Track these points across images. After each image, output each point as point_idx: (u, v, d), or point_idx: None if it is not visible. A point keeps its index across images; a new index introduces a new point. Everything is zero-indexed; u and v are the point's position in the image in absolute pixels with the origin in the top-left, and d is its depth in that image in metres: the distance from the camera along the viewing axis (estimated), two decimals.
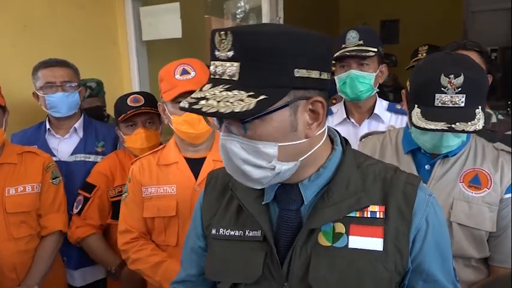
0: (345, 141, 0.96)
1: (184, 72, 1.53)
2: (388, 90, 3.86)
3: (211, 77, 0.81)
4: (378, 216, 0.87)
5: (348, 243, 0.87)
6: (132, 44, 2.99)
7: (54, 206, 1.91)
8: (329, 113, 2.06)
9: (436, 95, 1.22)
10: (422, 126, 1.22)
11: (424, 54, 2.89)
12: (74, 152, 2.17)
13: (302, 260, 0.87)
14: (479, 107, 1.23)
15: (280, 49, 0.77)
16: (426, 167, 1.41)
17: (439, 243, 0.90)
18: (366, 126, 2.00)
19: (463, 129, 1.19)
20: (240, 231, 0.95)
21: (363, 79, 1.90)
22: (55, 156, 2.12)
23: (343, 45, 1.92)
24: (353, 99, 1.96)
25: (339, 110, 2.07)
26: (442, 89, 1.22)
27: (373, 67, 1.92)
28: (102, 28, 2.91)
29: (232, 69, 0.77)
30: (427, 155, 1.41)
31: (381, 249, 0.85)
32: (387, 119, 2.02)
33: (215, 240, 0.98)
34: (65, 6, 2.67)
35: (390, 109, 2.03)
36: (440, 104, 1.22)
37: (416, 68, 1.34)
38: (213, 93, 0.77)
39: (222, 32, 0.77)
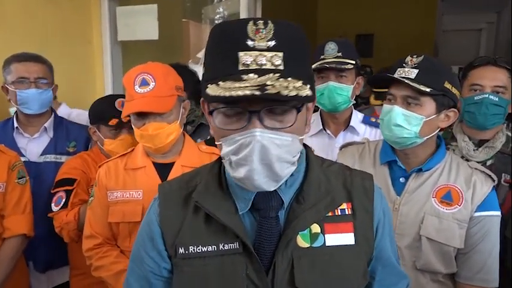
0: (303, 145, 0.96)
1: (144, 83, 1.47)
2: (363, 102, 3.91)
3: (243, 68, 0.76)
4: (347, 212, 0.91)
5: (325, 241, 0.89)
6: (107, 43, 2.93)
7: (19, 207, 1.82)
8: None
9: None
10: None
11: None
12: (44, 152, 2.09)
13: (285, 265, 0.87)
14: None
15: (306, 42, 0.82)
16: (401, 179, 1.44)
17: (390, 229, 0.98)
18: (342, 138, 2.01)
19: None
20: (213, 246, 0.89)
21: (341, 91, 1.91)
22: (23, 156, 2.03)
23: (322, 56, 1.93)
24: (330, 111, 1.97)
25: (315, 120, 2.07)
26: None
27: (351, 79, 1.94)
28: (76, 25, 2.84)
29: (277, 59, 0.76)
30: (403, 168, 1.44)
31: (353, 243, 0.90)
32: (362, 131, 2.03)
33: (184, 260, 0.90)
34: (38, 1, 2.58)
35: (365, 121, 2.05)
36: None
37: None
38: (271, 80, 0.73)
39: (260, 21, 0.76)
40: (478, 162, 1.56)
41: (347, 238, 0.90)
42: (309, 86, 0.76)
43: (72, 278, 2.02)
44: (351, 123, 2.01)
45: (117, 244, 1.63)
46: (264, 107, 0.76)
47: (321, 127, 2.04)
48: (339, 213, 0.91)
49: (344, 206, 0.92)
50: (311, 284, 0.87)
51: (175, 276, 0.93)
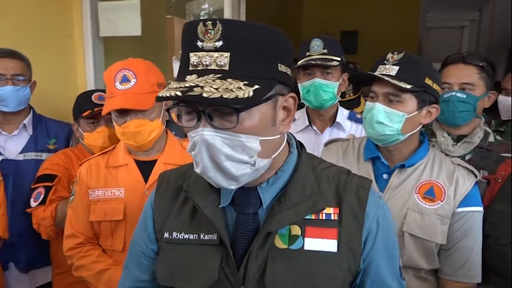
0: (299, 145, 0.96)
1: (125, 79, 1.45)
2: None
3: (192, 68, 0.78)
4: (332, 218, 0.88)
5: (303, 245, 0.87)
6: (89, 39, 2.86)
7: None
8: None
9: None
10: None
11: None
12: (23, 150, 2.04)
13: (259, 263, 0.87)
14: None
15: (267, 41, 0.79)
16: (384, 176, 1.44)
17: (387, 244, 0.93)
18: (328, 134, 2.02)
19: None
20: (194, 235, 0.92)
21: (327, 88, 1.91)
22: (1, 154, 1.99)
23: (307, 53, 1.94)
24: (316, 107, 1.97)
25: (301, 116, 2.07)
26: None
27: (337, 76, 1.94)
28: (57, 20, 2.76)
29: (222, 59, 0.76)
30: (386, 164, 1.44)
31: (335, 251, 0.87)
32: (348, 127, 2.05)
33: (168, 244, 0.95)
34: None
35: (351, 118, 2.07)
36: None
37: None
38: (205, 81, 0.75)
39: (209, 22, 0.76)
40: (457, 157, 1.58)
41: (329, 245, 0.87)
42: (256, 86, 0.75)
43: (54, 277, 2.01)
44: (337, 120, 2.02)
45: (99, 243, 1.60)
46: (207, 107, 0.77)
47: (307, 123, 2.04)
48: (324, 218, 0.89)
49: (330, 210, 0.89)
50: (280, 285, 0.85)
51: (159, 258, 0.98)
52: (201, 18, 3.56)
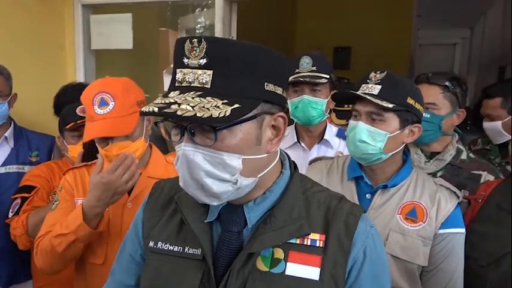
0: (293, 166, 0.95)
1: (103, 103, 1.43)
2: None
3: (178, 84, 0.79)
4: (317, 244, 0.86)
5: (285, 269, 0.85)
6: (80, 51, 2.87)
7: None
8: None
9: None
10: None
11: None
12: (5, 163, 2.02)
13: (238, 284, 0.85)
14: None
15: (254, 61, 0.79)
16: (367, 195, 1.43)
17: (376, 275, 0.89)
18: (316, 151, 2.02)
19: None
20: (179, 247, 0.92)
21: (315, 104, 1.92)
22: None
23: (297, 70, 1.95)
24: (304, 124, 1.98)
25: (289, 133, 2.07)
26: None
27: (325, 93, 1.95)
28: (48, 31, 2.77)
29: (204, 76, 0.77)
30: (369, 184, 1.43)
31: (317, 279, 0.84)
32: (336, 144, 2.05)
33: (152, 253, 0.95)
34: (6, 5, 2.51)
35: (339, 135, 2.07)
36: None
37: None
38: (184, 98, 0.75)
39: (195, 40, 0.77)
40: (428, 173, 1.60)
41: (311, 272, 0.84)
42: (236, 105, 0.75)
43: None
44: (325, 137, 2.02)
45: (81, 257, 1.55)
46: (189, 123, 0.78)
47: (295, 140, 2.04)
48: (308, 244, 0.86)
49: (316, 237, 0.87)
50: None
51: (143, 267, 0.98)
52: (192, 33, 3.58)
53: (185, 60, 0.78)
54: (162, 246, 0.93)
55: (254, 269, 0.85)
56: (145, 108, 0.76)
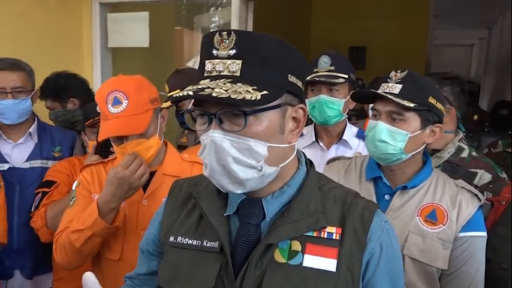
0: (309, 163, 0.97)
1: (116, 102, 1.43)
2: (353, 114, 3.90)
3: (207, 74, 0.84)
4: (334, 237, 0.88)
5: (302, 261, 0.87)
6: (97, 49, 2.90)
7: None
8: None
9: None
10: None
11: None
12: (29, 158, 2.06)
13: (256, 275, 0.87)
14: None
15: (279, 53, 0.84)
16: (386, 197, 1.41)
17: (391, 269, 0.91)
18: (334, 151, 2.00)
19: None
20: (197, 241, 0.94)
21: (332, 104, 1.90)
22: (8, 162, 2.00)
23: (315, 70, 1.94)
24: (321, 123, 1.96)
25: (309, 132, 2.07)
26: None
27: (344, 93, 1.93)
28: (65, 29, 2.81)
29: (234, 66, 0.81)
30: (388, 184, 1.41)
31: (334, 271, 0.86)
32: (355, 145, 2.02)
33: (171, 247, 0.98)
34: (28, 4, 2.55)
35: (359, 136, 2.04)
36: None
37: None
38: (216, 84, 0.79)
39: (224, 32, 0.82)
40: None
41: (328, 264, 0.86)
42: (265, 91, 0.79)
43: (54, 282, 2.06)
44: (344, 137, 2.00)
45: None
46: (218, 110, 0.81)
47: (314, 139, 2.03)
48: (325, 236, 0.88)
49: (333, 230, 0.88)
50: None
51: (162, 261, 1.01)
52: (211, 30, 3.59)
53: (214, 52, 0.83)
54: (181, 240, 0.96)
55: (272, 261, 0.87)
56: (178, 94, 0.80)
